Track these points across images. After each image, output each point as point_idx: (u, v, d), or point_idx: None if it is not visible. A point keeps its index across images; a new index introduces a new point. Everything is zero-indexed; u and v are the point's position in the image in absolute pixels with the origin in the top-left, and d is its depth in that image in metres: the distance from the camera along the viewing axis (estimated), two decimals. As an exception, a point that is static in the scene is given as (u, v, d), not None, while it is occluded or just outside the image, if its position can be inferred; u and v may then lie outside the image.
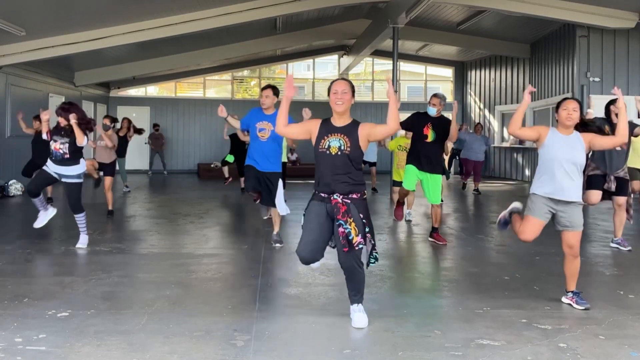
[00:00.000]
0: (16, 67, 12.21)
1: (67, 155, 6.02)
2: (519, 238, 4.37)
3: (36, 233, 6.24)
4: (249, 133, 6.38)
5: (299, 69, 20.47)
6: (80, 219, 6.17)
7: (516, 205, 4.68)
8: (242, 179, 12.24)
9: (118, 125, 10.71)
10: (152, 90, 19.60)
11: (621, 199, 6.30)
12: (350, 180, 3.71)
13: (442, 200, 6.66)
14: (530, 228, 4.26)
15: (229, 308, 4.09)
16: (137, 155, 17.80)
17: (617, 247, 6.40)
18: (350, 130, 3.75)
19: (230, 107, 19.21)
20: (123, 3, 10.29)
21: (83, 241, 6.18)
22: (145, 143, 18.17)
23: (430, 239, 6.76)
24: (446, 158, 15.40)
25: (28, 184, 6.30)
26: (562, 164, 4.12)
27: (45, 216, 6.16)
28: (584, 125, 4.29)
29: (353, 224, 3.63)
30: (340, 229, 3.63)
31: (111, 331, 3.55)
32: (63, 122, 6.05)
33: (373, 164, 12.89)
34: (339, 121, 3.81)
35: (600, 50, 12.73)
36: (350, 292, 3.81)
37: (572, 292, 4.27)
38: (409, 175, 6.60)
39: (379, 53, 18.04)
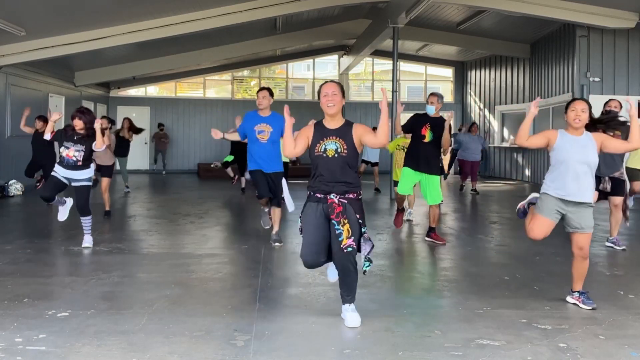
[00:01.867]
0: (16, 67, 12.21)
1: (80, 163, 6.07)
2: (527, 235, 4.33)
3: (36, 233, 6.25)
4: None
5: (299, 69, 20.46)
6: (86, 221, 6.20)
7: (535, 195, 4.60)
8: (243, 179, 12.25)
9: (118, 126, 10.70)
10: (152, 90, 19.60)
11: (617, 199, 6.27)
12: (347, 182, 3.73)
13: (441, 201, 6.64)
14: (539, 227, 4.24)
15: (229, 308, 4.09)
16: (138, 155, 17.79)
17: (612, 246, 6.41)
18: (345, 132, 3.78)
19: (231, 107, 19.34)
20: (123, 3, 10.29)
21: (88, 240, 6.22)
22: (145, 143, 18.16)
23: (427, 238, 6.75)
24: (446, 158, 15.48)
25: (41, 191, 6.34)
26: (573, 165, 4.09)
27: (66, 209, 6.26)
28: (592, 125, 4.24)
29: (347, 225, 3.63)
30: (333, 229, 3.66)
31: (111, 331, 3.55)
32: (79, 127, 6.02)
33: (375, 164, 12.90)
34: (332, 123, 3.82)
35: (600, 50, 12.72)
36: (343, 292, 3.81)
37: (578, 292, 4.25)
38: (405, 179, 6.59)
39: (379, 53, 18.03)
